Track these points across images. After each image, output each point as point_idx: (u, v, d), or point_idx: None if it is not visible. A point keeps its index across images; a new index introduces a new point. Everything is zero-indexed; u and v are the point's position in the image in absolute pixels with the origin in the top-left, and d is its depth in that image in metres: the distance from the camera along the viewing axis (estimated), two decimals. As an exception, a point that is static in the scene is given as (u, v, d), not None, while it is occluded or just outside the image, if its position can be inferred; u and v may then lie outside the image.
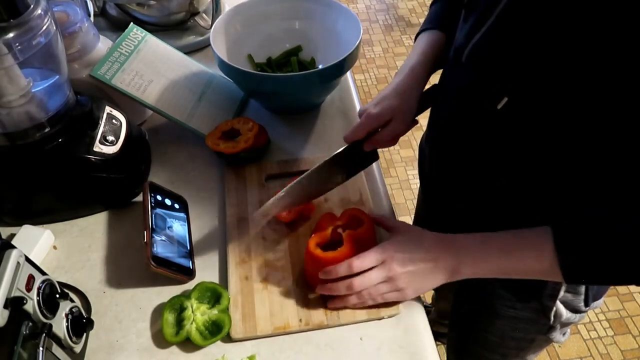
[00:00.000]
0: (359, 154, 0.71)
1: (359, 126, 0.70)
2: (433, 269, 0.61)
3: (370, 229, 0.68)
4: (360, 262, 0.61)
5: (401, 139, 0.74)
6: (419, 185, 2.01)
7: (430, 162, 0.80)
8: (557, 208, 0.60)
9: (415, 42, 0.79)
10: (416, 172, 2.07)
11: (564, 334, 0.76)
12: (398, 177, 2.07)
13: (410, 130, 0.74)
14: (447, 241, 0.63)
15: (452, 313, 0.95)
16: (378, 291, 0.62)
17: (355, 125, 0.70)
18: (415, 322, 0.65)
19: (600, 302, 0.73)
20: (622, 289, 1.71)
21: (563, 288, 0.68)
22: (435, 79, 0.75)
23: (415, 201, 1.98)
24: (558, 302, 0.69)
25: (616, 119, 0.50)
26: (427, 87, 0.76)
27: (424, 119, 0.76)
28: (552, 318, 0.71)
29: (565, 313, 0.70)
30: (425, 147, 0.82)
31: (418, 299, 0.68)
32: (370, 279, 0.61)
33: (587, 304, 0.70)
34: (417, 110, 0.74)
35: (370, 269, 0.62)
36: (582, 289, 0.69)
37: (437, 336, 1.70)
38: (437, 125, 0.75)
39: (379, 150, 0.74)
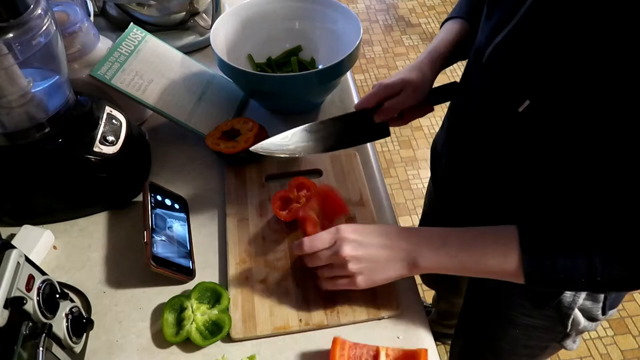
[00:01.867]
0: (370, 125, 0.72)
1: (370, 94, 0.71)
2: (389, 258, 0.59)
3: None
4: (310, 241, 0.60)
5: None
6: (419, 185, 2.02)
7: (446, 161, 0.80)
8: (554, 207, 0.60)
9: (440, 29, 0.79)
10: (416, 172, 2.08)
11: (575, 341, 0.76)
12: (398, 177, 2.07)
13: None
14: (408, 232, 0.61)
15: (460, 319, 0.95)
16: (330, 274, 0.61)
17: (367, 94, 0.72)
18: (415, 322, 0.65)
19: (615, 310, 0.72)
20: (622, 289, 1.71)
21: (582, 296, 0.67)
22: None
23: (415, 201, 1.98)
24: (576, 310, 0.68)
25: (634, 124, 0.48)
26: (448, 82, 0.75)
27: (435, 118, 0.76)
28: (569, 326, 0.70)
29: (582, 321, 0.70)
30: (441, 148, 0.82)
31: (418, 299, 0.68)
32: (320, 259, 0.60)
33: (604, 312, 0.70)
34: (434, 98, 0.73)
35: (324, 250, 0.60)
36: (601, 296, 0.68)
37: (437, 336, 1.70)
38: (456, 125, 0.74)
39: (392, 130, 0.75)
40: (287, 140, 0.69)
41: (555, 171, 0.57)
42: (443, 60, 0.74)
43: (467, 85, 0.70)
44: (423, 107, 0.74)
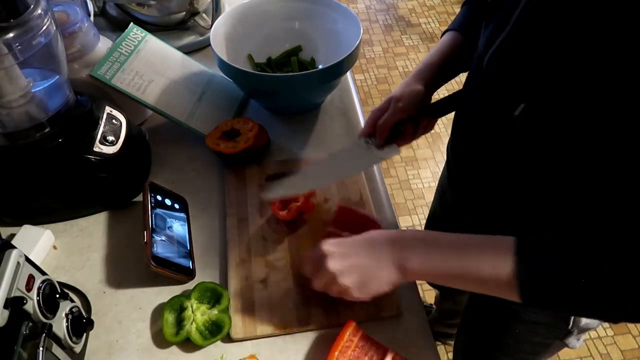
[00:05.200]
0: (377, 149, 0.73)
1: (366, 123, 0.74)
2: (377, 266, 0.57)
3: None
4: (305, 267, 0.62)
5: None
6: (419, 185, 2.02)
7: (454, 161, 0.80)
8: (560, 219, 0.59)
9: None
10: (416, 172, 2.08)
11: (578, 340, 0.75)
12: (398, 177, 2.07)
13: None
14: (394, 235, 0.58)
15: (465, 314, 0.94)
16: (330, 289, 0.59)
17: (364, 123, 0.75)
18: (415, 322, 0.65)
19: None
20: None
21: None
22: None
23: (415, 201, 1.98)
24: None
25: (630, 129, 0.47)
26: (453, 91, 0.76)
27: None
28: (570, 323, 0.70)
29: (584, 318, 0.70)
30: (450, 153, 0.83)
31: (418, 299, 0.68)
32: (318, 282, 0.60)
33: None
34: (433, 110, 0.74)
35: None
36: None
37: (438, 336, 1.69)
38: (459, 132, 0.75)
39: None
40: (299, 179, 0.70)
41: (556, 173, 0.57)
42: (433, 70, 0.74)
43: (469, 91, 0.71)
44: (423, 122, 0.74)
